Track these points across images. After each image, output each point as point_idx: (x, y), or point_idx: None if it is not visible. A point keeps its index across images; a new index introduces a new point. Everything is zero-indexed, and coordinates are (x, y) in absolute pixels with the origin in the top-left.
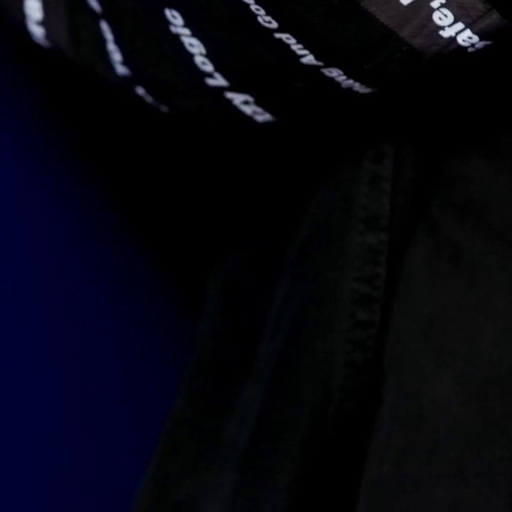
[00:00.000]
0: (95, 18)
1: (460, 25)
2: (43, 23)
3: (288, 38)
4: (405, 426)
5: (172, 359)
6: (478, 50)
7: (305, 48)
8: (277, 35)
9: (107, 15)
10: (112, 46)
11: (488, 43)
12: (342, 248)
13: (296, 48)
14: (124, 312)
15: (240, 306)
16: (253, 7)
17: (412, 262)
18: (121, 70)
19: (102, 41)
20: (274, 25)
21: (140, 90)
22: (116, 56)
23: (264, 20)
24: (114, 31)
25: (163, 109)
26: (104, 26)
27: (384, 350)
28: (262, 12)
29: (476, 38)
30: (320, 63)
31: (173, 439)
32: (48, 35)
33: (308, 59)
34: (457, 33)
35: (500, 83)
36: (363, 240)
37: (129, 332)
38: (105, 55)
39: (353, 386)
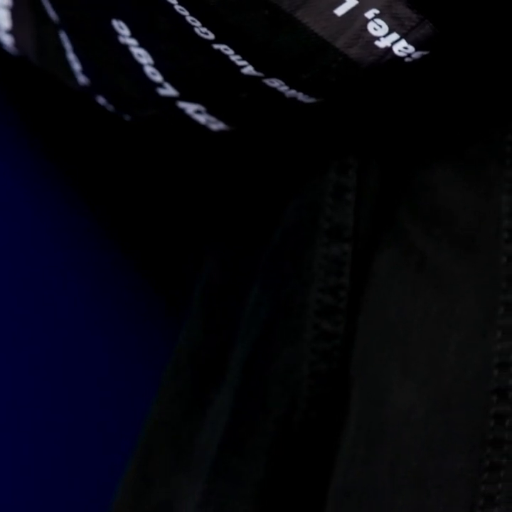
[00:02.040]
0: (55, 27)
1: (395, 36)
2: (11, 32)
3: (226, 49)
4: (369, 435)
5: (156, 363)
6: (416, 61)
7: (243, 58)
8: (215, 46)
9: (63, 25)
10: (71, 55)
11: (424, 52)
12: (307, 258)
13: (235, 58)
14: (108, 317)
15: (217, 312)
16: (189, 19)
17: (378, 270)
18: (81, 79)
19: (63, 50)
20: (211, 36)
21: (101, 100)
22: (76, 65)
23: (201, 32)
24: (71, 41)
25: (127, 118)
26: (63, 36)
27: (351, 360)
28: (198, 23)
29: (411, 48)
30: (260, 74)
31: (150, 443)
32: (17, 43)
33: (248, 70)
34: (393, 43)
35: (464, 93)
36: (327, 251)
37: (113, 336)
38: (67, 64)
39: (317, 396)
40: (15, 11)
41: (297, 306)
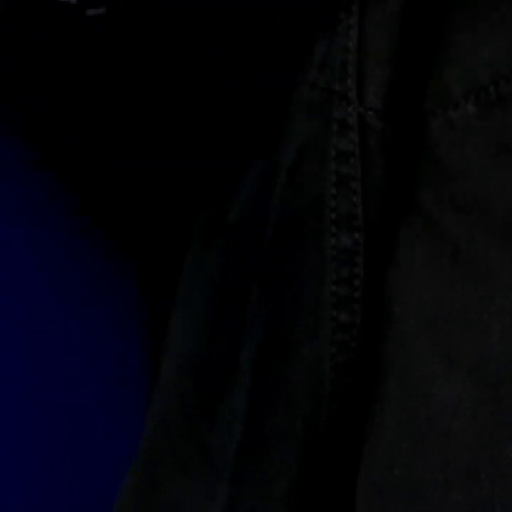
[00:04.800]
0: None
1: None
2: None
3: None
4: (415, 428)
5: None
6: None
7: None
8: None
9: None
10: None
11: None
12: (316, 251)
13: None
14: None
15: (222, 310)
16: None
17: (411, 260)
18: None
19: None
20: None
21: None
22: None
23: None
24: None
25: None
26: None
27: (385, 351)
28: None
29: None
30: None
31: (154, 444)
32: None
33: None
34: None
35: None
36: (337, 242)
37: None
38: None
39: (339, 389)
40: None
41: (312, 300)
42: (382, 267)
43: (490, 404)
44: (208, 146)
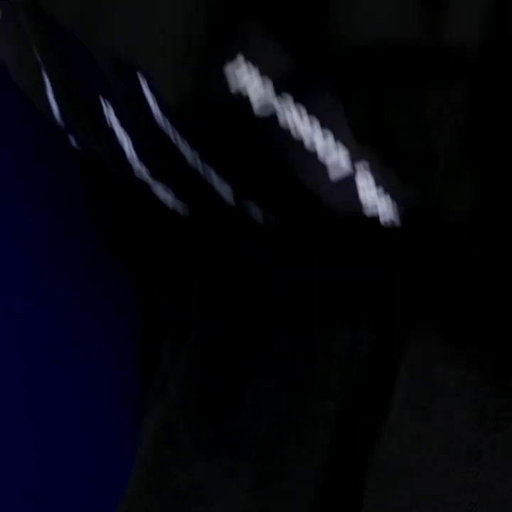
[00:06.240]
0: (38, 65)
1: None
2: None
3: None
4: (416, 408)
5: None
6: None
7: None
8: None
9: (46, 70)
10: (50, 95)
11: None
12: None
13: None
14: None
15: None
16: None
17: None
18: (57, 118)
19: (43, 86)
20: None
21: (72, 140)
22: (54, 106)
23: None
24: (52, 86)
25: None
26: (45, 77)
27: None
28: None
29: None
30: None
31: (168, 428)
32: None
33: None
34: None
35: None
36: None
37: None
38: (46, 100)
39: (372, 374)
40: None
41: None
42: None
43: (492, 386)
44: None
